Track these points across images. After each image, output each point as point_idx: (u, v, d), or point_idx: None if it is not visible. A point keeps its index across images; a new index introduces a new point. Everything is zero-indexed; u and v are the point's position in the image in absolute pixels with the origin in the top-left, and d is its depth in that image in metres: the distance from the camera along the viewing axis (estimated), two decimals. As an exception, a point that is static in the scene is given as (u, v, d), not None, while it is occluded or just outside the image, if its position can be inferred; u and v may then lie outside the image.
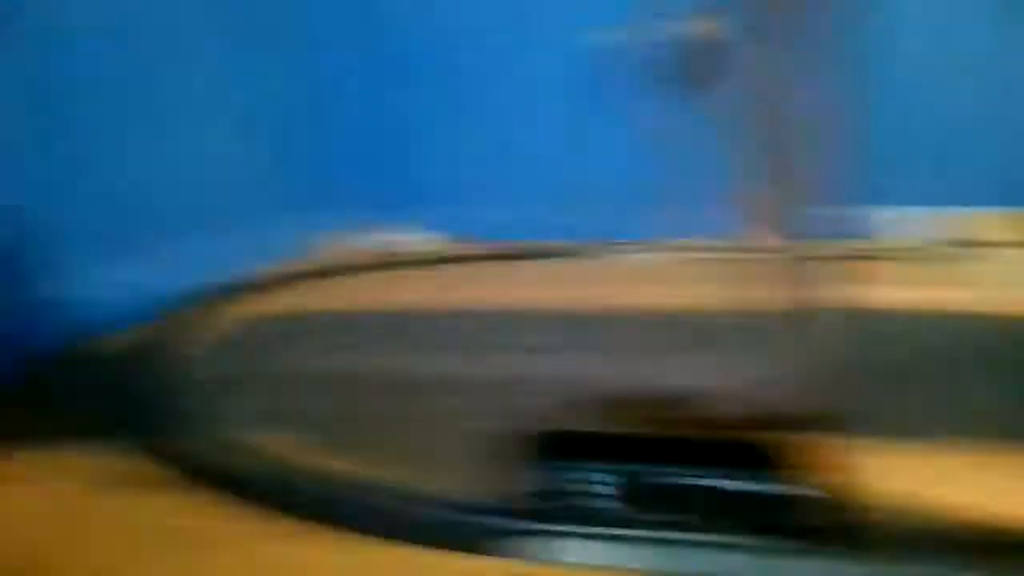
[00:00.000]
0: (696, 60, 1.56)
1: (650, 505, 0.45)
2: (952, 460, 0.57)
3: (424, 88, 1.74)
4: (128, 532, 0.50)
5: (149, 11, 1.07)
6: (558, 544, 0.45)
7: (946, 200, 1.43)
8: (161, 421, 0.67)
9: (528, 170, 1.80)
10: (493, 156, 1.81)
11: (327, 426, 0.67)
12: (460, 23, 1.81)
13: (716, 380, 0.67)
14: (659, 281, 1.33)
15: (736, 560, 0.44)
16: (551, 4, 1.57)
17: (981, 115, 1.25)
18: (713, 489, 0.44)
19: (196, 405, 0.71)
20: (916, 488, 0.52)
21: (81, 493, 0.56)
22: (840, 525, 0.44)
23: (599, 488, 0.46)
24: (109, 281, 0.98)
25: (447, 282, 1.34)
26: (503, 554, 0.46)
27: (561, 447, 0.47)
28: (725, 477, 0.44)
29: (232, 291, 1.18)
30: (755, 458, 0.46)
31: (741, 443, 0.53)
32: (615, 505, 0.45)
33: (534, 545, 0.46)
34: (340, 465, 0.57)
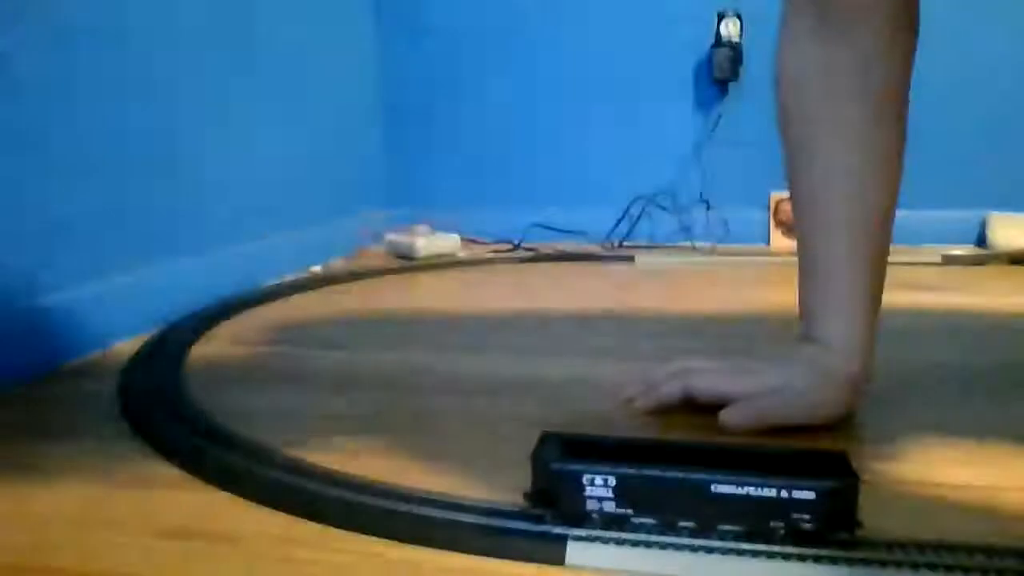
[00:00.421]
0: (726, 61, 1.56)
1: (652, 508, 0.46)
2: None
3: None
4: (142, 532, 0.51)
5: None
6: (564, 546, 0.46)
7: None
8: (178, 421, 0.68)
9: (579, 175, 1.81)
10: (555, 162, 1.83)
11: (351, 427, 0.68)
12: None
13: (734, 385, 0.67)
14: (679, 284, 1.33)
15: (733, 562, 0.44)
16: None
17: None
18: (714, 493, 0.45)
19: (214, 406, 0.72)
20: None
21: (95, 492, 0.57)
22: (837, 528, 0.44)
23: (602, 491, 0.46)
24: (132, 285, 1.00)
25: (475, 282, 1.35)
26: (515, 556, 0.47)
27: (572, 450, 0.48)
28: (726, 482, 0.45)
29: (256, 295, 1.20)
30: (756, 462, 0.46)
31: (742, 447, 0.54)
32: (618, 508, 0.46)
33: (543, 547, 0.47)
34: (357, 467, 0.58)
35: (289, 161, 1.44)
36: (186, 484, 0.58)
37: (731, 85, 1.70)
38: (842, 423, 0.65)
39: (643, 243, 1.75)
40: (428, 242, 1.62)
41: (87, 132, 0.94)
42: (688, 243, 1.74)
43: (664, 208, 1.78)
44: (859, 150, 0.64)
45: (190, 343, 0.95)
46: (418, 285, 1.37)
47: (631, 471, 0.46)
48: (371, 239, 1.72)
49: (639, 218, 1.78)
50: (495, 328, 1.05)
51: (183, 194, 1.13)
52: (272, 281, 1.32)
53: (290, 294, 1.25)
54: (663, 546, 0.46)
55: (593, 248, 1.71)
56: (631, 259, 1.58)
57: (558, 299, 1.23)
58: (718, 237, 1.74)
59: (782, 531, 0.44)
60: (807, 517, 0.44)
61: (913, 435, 0.64)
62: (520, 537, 0.47)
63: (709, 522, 0.45)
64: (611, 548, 0.46)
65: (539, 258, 1.60)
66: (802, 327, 0.68)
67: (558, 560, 0.46)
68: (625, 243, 1.75)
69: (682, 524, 0.46)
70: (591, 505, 0.46)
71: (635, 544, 0.46)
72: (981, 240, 1.66)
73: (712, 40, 1.67)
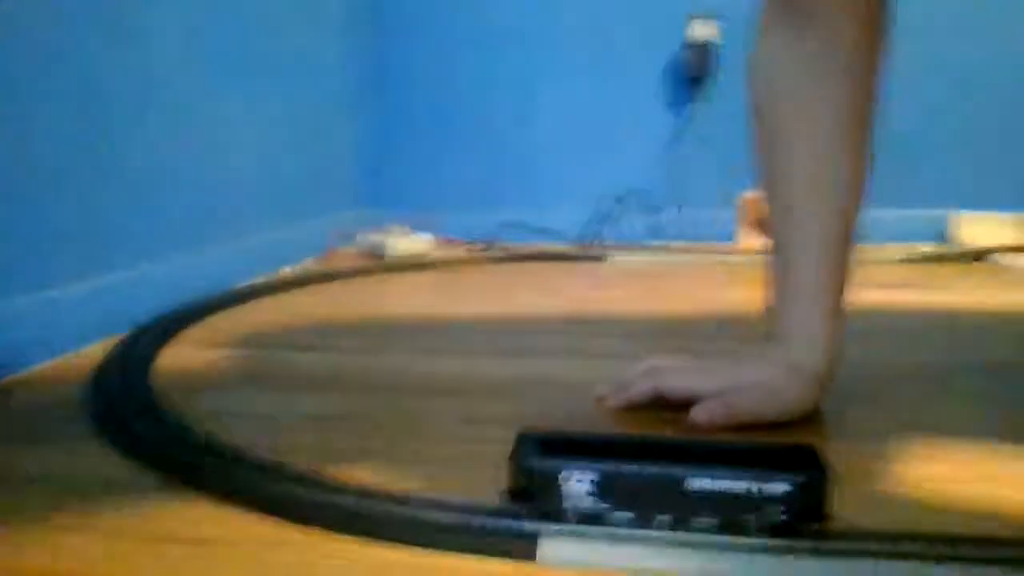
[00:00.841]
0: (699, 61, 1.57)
1: (629, 503, 0.46)
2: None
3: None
4: (116, 538, 0.50)
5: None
6: (543, 543, 0.46)
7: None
8: (149, 425, 0.67)
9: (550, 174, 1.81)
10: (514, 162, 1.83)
11: (325, 429, 0.68)
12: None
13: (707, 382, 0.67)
14: (651, 283, 1.34)
15: (708, 555, 0.45)
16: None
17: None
18: (690, 488, 0.45)
19: (186, 409, 0.71)
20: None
21: (65, 499, 0.56)
22: (809, 520, 0.45)
23: (579, 487, 0.46)
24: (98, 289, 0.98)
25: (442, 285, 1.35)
26: (491, 553, 0.47)
27: (549, 448, 0.48)
28: (701, 476, 0.45)
29: (228, 297, 1.19)
30: (730, 457, 0.47)
31: (716, 443, 0.54)
32: (595, 504, 0.46)
33: (517, 544, 0.47)
34: (333, 468, 0.57)
35: (260, 162, 1.43)
36: (159, 488, 0.57)
37: (701, 85, 1.72)
38: (810, 418, 0.66)
39: (614, 242, 1.76)
40: (401, 242, 1.62)
41: (50, 135, 0.92)
42: (659, 242, 1.76)
43: (635, 208, 1.79)
44: (828, 146, 0.65)
45: (160, 346, 0.94)
46: (391, 286, 1.37)
47: (608, 467, 0.46)
48: (343, 240, 1.71)
49: (611, 218, 1.79)
50: (468, 328, 1.05)
51: (152, 196, 1.11)
52: (244, 283, 1.31)
53: (262, 296, 1.24)
54: (639, 540, 0.46)
55: (565, 248, 1.72)
56: (603, 258, 1.59)
57: (531, 299, 1.24)
58: (688, 236, 1.76)
59: (756, 524, 0.45)
60: (780, 510, 0.45)
61: (882, 430, 0.65)
62: (495, 535, 0.48)
63: (685, 516, 0.46)
64: (584, 543, 0.46)
65: (512, 258, 1.61)
66: (769, 323, 0.69)
67: (532, 556, 0.46)
68: (597, 242, 1.76)
69: (658, 519, 0.46)
70: (568, 502, 0.47)
71: (609, 539, 0.46)
72: (944, 238, 1.69)
73: (683, 40, 1.69)
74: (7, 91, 0.86)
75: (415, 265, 1.53)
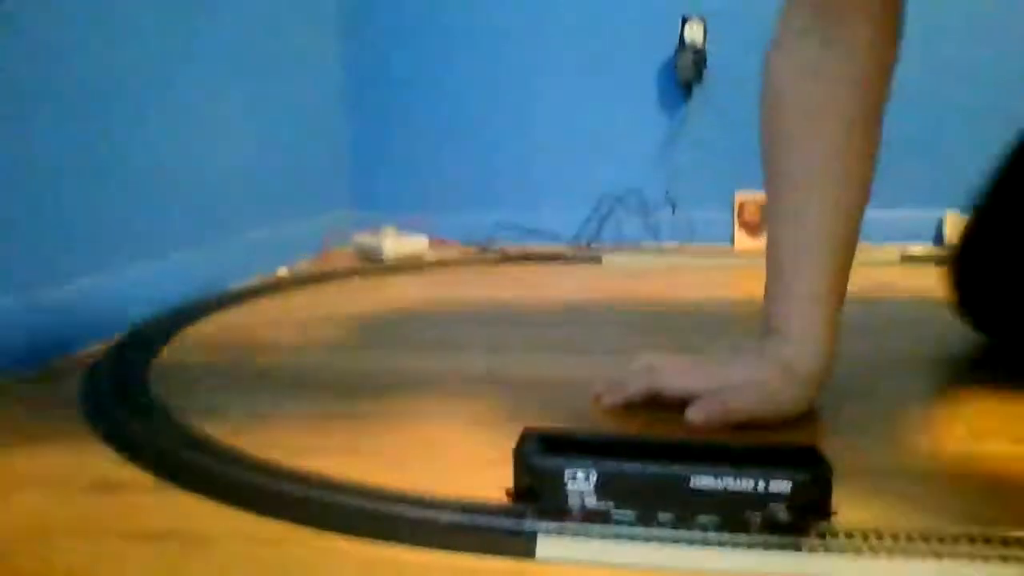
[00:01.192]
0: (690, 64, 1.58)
1: (632, 501, 0.47)
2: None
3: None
4: (109, 535, 0.50)
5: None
6: (542, 541, 0.47)
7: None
8: (143, 424, 0.67)
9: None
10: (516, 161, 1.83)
11: (323, 428, 0.68)
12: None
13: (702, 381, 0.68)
14: (646, 283, 1.35)
15: (711, 553, 0.45)
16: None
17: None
18: (693, 486, 0.46)
19: (180, 408, 0.71)
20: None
21: (60, 497, 0.56)
22: (812, 518, 0.45)
23: (583, 485, 0.47)
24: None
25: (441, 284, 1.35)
26: (490, 551, 0.47)
27: (552, 447, 0.48)
28: (704, 475, 0.46)
29: (222, 298, 1.19)
30: (732, 455, 0.47)
31: (718, 442, 0.55)
32: (599, 502, 0.47)
33: (518, 542, 0.47)
34: (331, 467, 0.57)
35: (255, 163, 1.43)
36: (154, 487, 0.57)
37: (695, 88, 1.73)
38: (807, 416, 0.67)
39: (610, 244, 1.77)
40: (396, 244, 1.62)
41: (50, 135, 0.92)
42: (654, 243, 1.77)
43: (631, 209, 1.79)
44: (838, 146, 0.66)
45: (155, 347, 0.94)
46: (386, 287, 1.37)
47: (612, 466, 0.47)
48: (338, 240, 1.71)
49: (606, 219, 1.79)
50: (465, 328, 1.05)
51: (150, 196, 1.11)
52: (240, 283, 1.31)
53: (257, 296, 1.24)
54: (642, 538, 0.46)
55: (561, 249, 1.72)
56: (598, 260, 1.59)
57: (527, 299, 1.24)
58: (683, 237, 1.76)
59: (759, 522, 0.45)
60: (783, 508, 0.45)
61: (881, 427, 0.66)
62: (494, 533, 0.48)
63: (687, 514, 0.46)
64: (585, 541, 0.47)
65: (507, 259, 1.61)
66: (767, 320, 0.70)
67: (531, 554, 0.46)
68: (592, 244, 1.76)
69: (662, 517, 0.47)
70: (572, 500, 0.47)
71: (612, 537, 0.47)
72: (939, 239, 1.70)
73: (678, 43, 1.70)
74: (7, 91, 0.86)
75: (410, 266, 1.53)
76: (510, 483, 0.49)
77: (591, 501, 0.47)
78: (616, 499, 0.47)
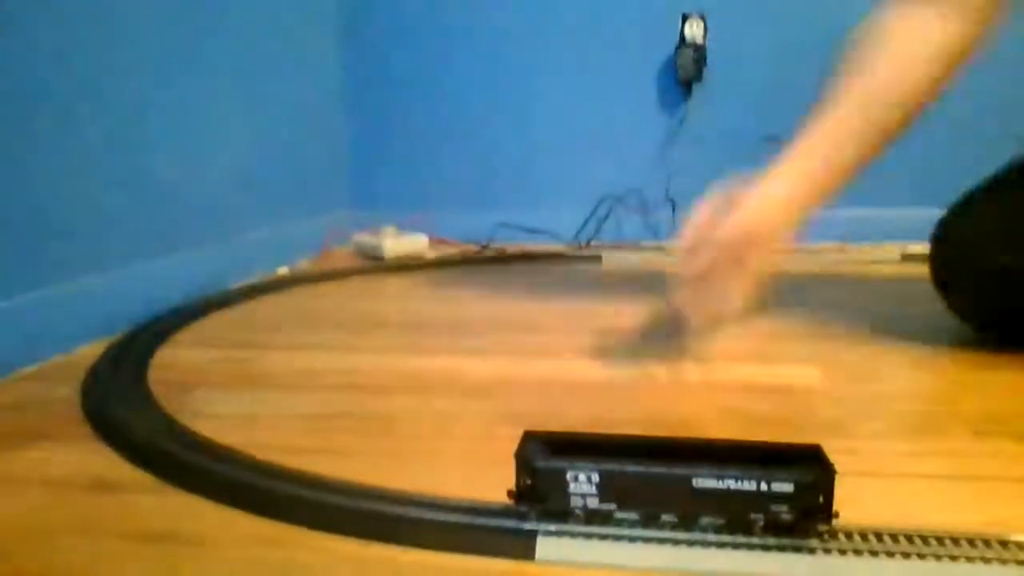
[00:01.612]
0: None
1: (635, 503, 0.46)
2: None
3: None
4: (109, 536, 0.50)
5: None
6: (545, 543, 0.47)
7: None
8: (143, 425, 0.67)
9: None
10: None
11: (322, 428, 0.68)
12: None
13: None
14: (646, 282, 1.34)
15: (714, 554, 0.45)
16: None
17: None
18: (696, 487, 0.46)
19: (180, 408, 0.71)
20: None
21: (59, 497, 0.56)
22: (815, 519, 0.45)
23: (585, 487, 0.47)
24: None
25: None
26: (491, 552, 0.47)
27: (555, 448, 0.48)
28: (707, 476, 0.46)
29: (222, 297, 1.19)
30: (735, 456, 0.47)
31: (726, 443, 0.55)
32: (602, 503, 0.47)
33: (519, 543, 0.47)
34: (328, 465, 0.57)
35: (255, 163, 1.43)
36: (153, 487, 0.57)
37: (695, 86, 1.72)
38: (808, 418, 0.66)
39: (610, 243, 1.76)
40: (396, 243, 1.62)
41: (50, 135, 0.92)
42: (654, 242, 1.76)
43: (631, 208, 1.79)
44: (905, 83, 0.74)
45: (156, 346, 0.94)
46: (386, 286, 1.37)
47: (614, 467, 0.46)
48: (338, 240, 1.71)
49: (606, 218, 1.79)
50: (465, 329, 1.05)
51: (147, 196, 1.11)
52: (239, 283, 1.31)
53: (257, 296, 1.24)
54: (645, 539, 0.46)
55: (561, 248, 1.71)
56: (598, 259, 1.59)
57: (527, 299, 1.24)
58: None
59: (761, 523, 0.45)
60: (785, 509, 0.45)
61: (882, 427, 0.66)
62: (495, 533, 0.48)
63: (690, 515, 0.46)
64: (587, 543, 0.47)
65: (507, 258, 1.61)
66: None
67: (532, 556, 0.46)
68: (592, 243, 1.76)
69: (664, 518, 0.46)
70: (575, 501, 0.47)
71: (615, 538, 0.46)
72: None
73: (678, 41, 1.69)
74: (7, 91, 0.86)
75: (410, 266, 1.53)
76: (512, 484, 0.48)
77: (593, 502, 0.47)
78: (618, 500, 0.47)
